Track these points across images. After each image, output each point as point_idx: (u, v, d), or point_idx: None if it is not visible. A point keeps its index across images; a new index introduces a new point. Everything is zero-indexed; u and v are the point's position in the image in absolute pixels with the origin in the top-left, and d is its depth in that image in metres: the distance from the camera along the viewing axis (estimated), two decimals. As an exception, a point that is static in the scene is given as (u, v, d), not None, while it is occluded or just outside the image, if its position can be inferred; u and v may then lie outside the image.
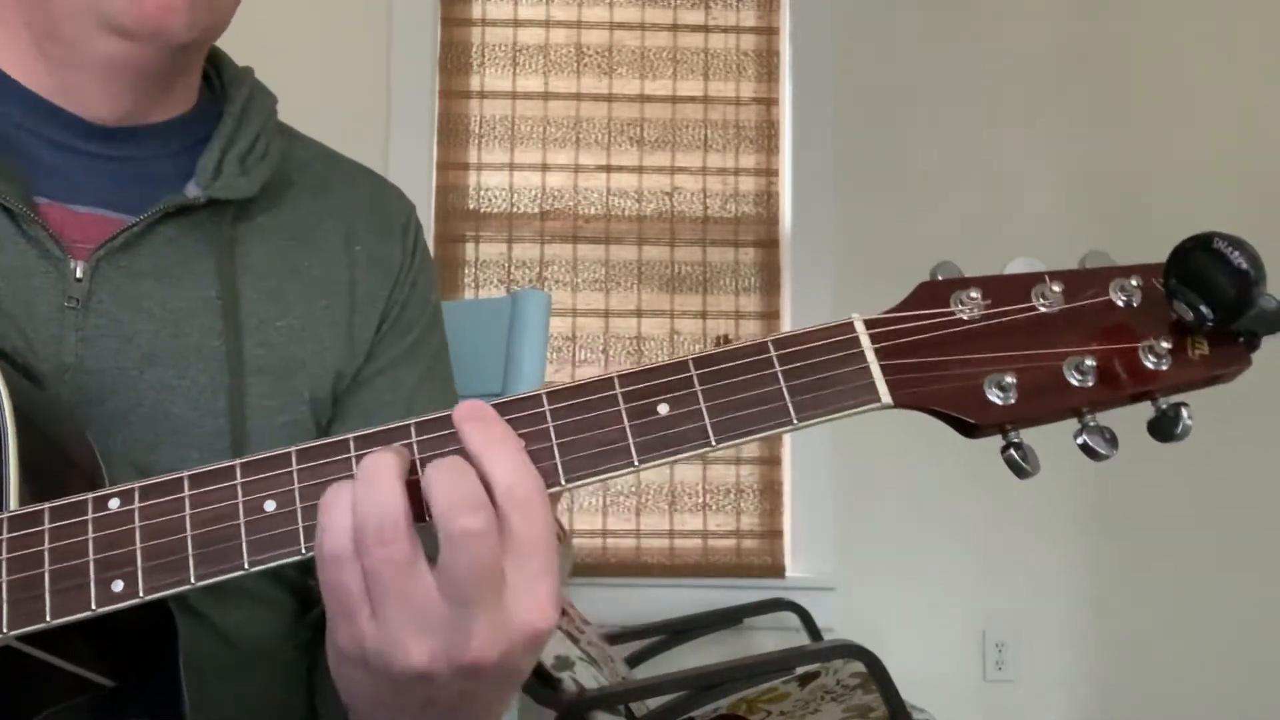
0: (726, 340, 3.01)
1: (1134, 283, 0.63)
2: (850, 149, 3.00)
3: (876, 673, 2.03)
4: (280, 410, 0.84)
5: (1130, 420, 0.65)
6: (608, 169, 3.04)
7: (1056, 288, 0.63)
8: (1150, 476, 2.77)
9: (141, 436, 0.79)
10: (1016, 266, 0.64)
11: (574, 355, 2.99)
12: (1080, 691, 2.95)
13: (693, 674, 2.17)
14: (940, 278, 0.65)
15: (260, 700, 0.84)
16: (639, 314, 3.00)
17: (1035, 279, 0.64)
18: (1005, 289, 0.64)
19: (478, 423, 0.59)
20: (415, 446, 0.60)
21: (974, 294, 0.63)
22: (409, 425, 0.61)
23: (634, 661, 2.61)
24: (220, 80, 0.92)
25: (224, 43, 0.93)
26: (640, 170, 3.04)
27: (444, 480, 0.56)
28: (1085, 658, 2.95)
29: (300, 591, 0.88)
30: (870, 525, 2.91)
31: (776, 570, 2.91)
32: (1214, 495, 2.93)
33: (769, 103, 3.07)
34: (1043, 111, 3.06)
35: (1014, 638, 2.92)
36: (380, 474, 0.56)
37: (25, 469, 0.61)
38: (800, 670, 2.25)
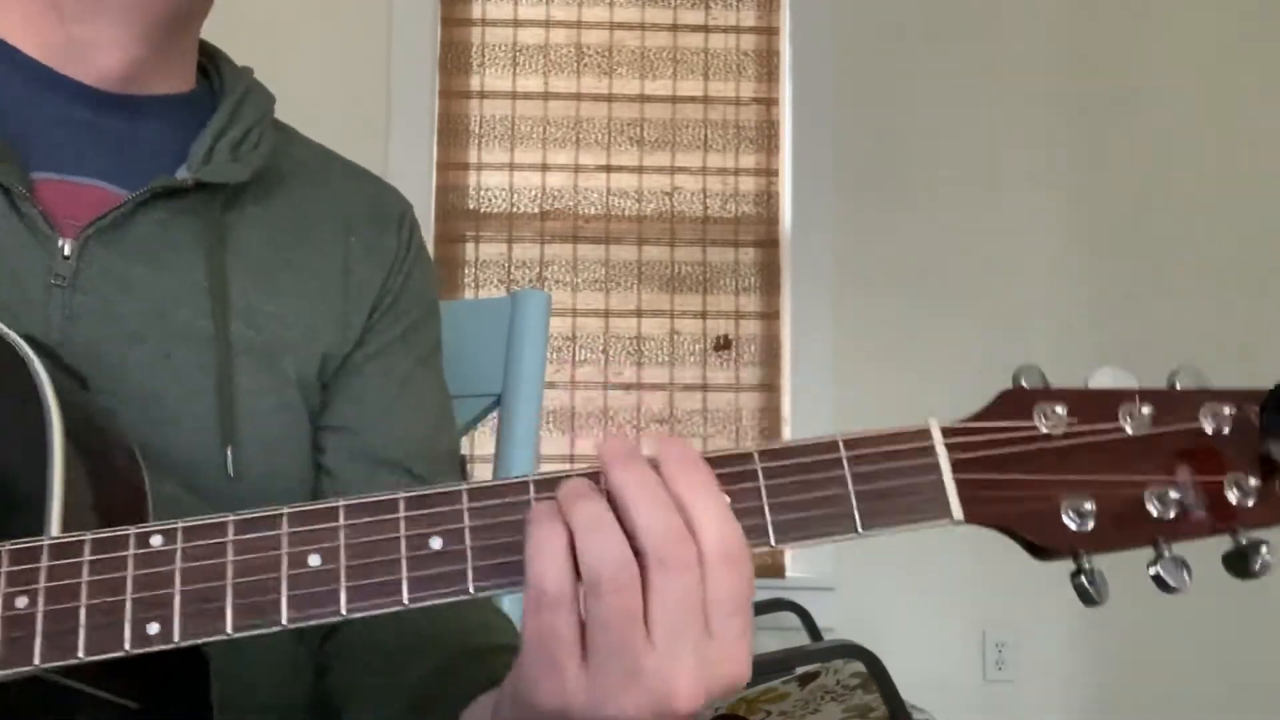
0: (726, 340, 3.01)
1: (1226, 411, 0.61)
2: (850, 149, 3.00)
3: (876, 673, 2.03)
4: (270, 391, 0.84)
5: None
6: (608, 169, 3.04)
7: (1145, 409, 0.60)
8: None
9: (128, 415, 0.78)
10: (1103, 379, 0.61)
11: (574, 355, 2.99)
12: (1080, 691, 2.95)
13: (693, 674, 2.17)
14: (1025, 384, 0.61)
15: (261, 699, 0.84)
16: (639, 314, 3.00)
17: (1124, 397, 0.61)
18: (1092, 405, 0.61)
19: (682, 464, 0.57)
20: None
21: (1059, 409, 0.60)
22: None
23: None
24: (219, 75, 0.92)
25: (224, 42, 0.93)
26: (640, 170, 3.04)
27: (654, 510, 0.55)
28: (1085, 658, 2.95)
29: None
30: (870, 525, 2.91)
31: (776, 570, 2.91)
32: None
33: (769, 103, 3.07)
34: (1043, 110, 3.06)
35: (1014, 638, 2.92)
36: (604, 519, 0.55)
37: (70, 487, 0.60)
38: (800, 670, 2.25)
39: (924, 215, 3.00)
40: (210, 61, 0.93)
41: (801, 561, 2.92)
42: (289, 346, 0.86)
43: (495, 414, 1.21)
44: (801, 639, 2.67)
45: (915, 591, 2.92)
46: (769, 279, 3.03)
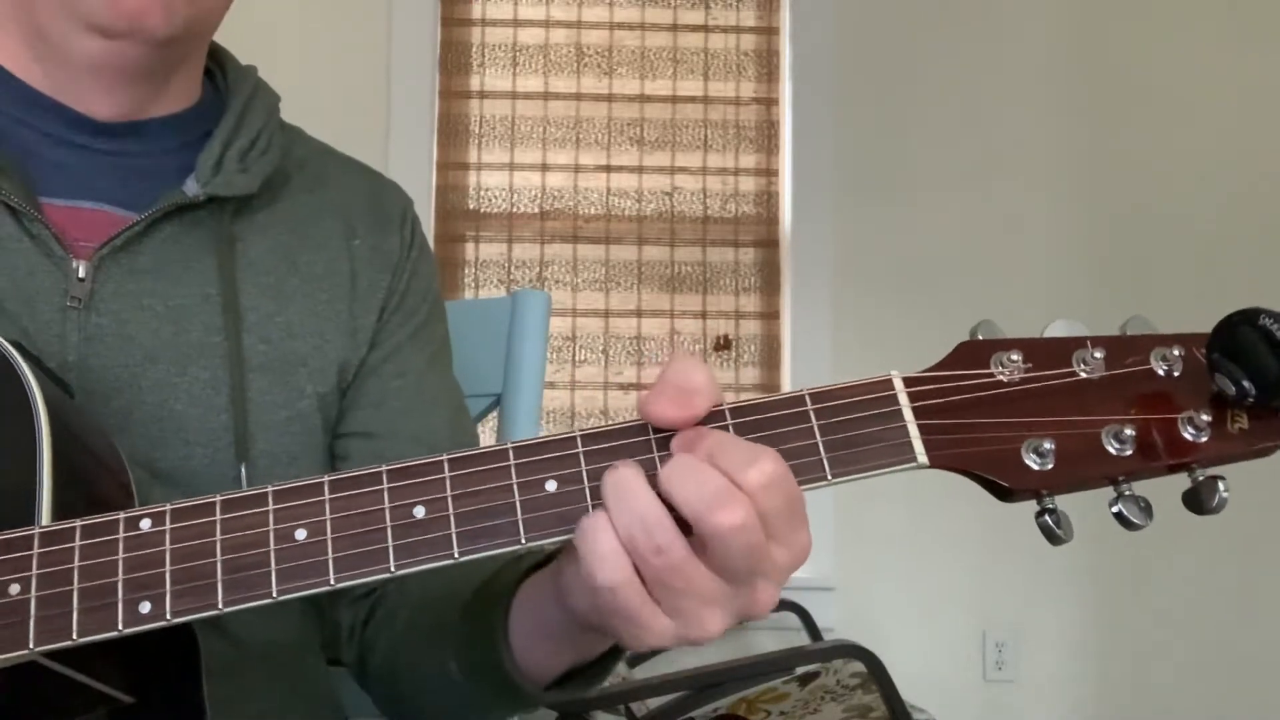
0: (726, 340, 3.01)
1: (1176, 353, 0.63)
2: (850, 149, 3.00)
3: (876, 673, 2.02)
4: (283, 405, 0.85)
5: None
6: (608, 169, 3.04)
7: (1098, 354, 0.63)
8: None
9: (145, 434, 0.79)
10: (1057, 329, 0.64)
11: (574, 355, 2.99)
12: (1080, 692, 2.95)
13: (693, 674, 2.17)
14: (981, 337, 0.64)
15: (263, 700, 0.84)
16: (639, 314, 3.01)
17: (1077, 344, 0.63)
18: (1046, 352, 0.63)
19: (683, 443, 0.59)
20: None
21: (1014, 356, 0.62)
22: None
23: (634, 661, 2.61)
24: (224, 77, 0.92)
25: (224, 41, 0.93)
26: (640, 170, 3.04)
27: (688, 480, 0.56)
28: (1085, 658, 2.95)
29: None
30: (871, 525, 2.91)
31: (776, 570, 2.91)
32: (1214, 495, 2.92)
33: (769, 103, 3.07)
34: (1044, 111, 3.06)
35: (1014, 638, 2.92)
36: (631, 486, 0.57)
37: (59, 482, 0.61)
38: (800, 670, 2.25)
39: (924, 215, 3.00)
40: (215, 63, 0.92)
41: (801, 561, 2.91)
42: (302, 359, 0.86)
43: (495, 414, 1.21)
44: (801, 639, 2.67)
45: (915, 591, 2.92)
46: (769, 279, 3.03)
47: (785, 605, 2.72)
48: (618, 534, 0.56)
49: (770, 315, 3.02)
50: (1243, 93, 3.10)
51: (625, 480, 0.57)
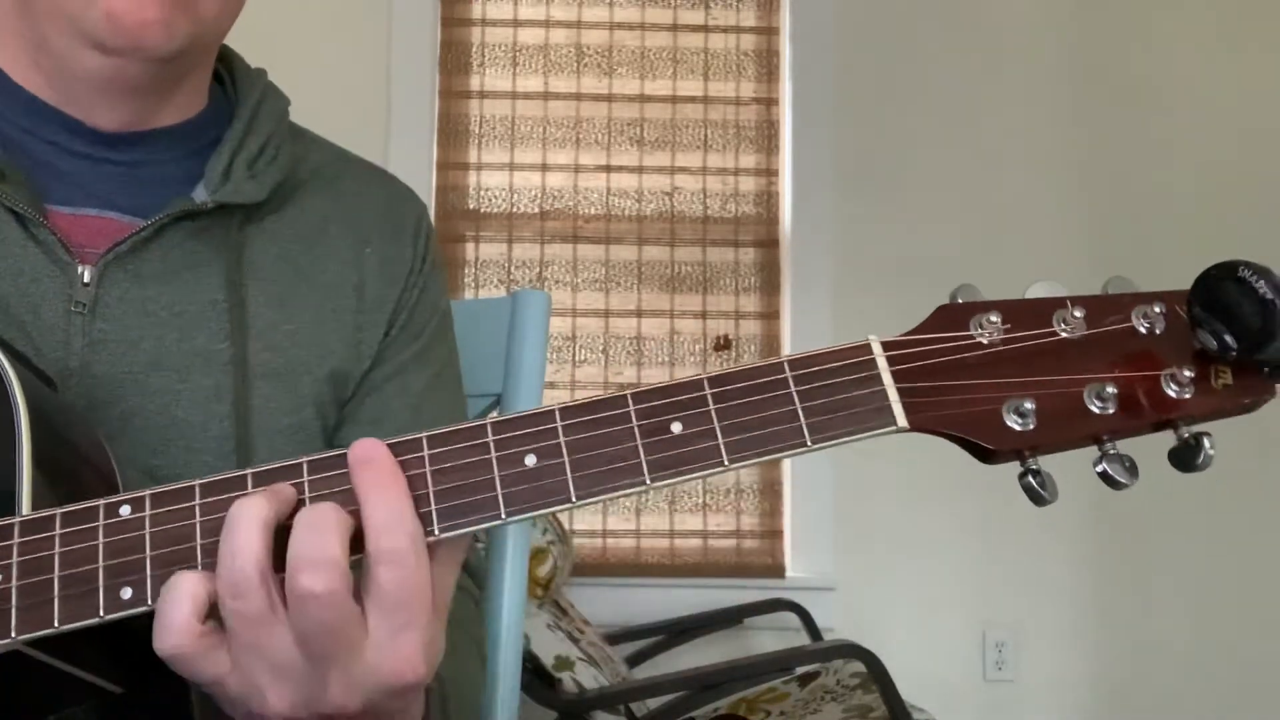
0: (726, 340, 3.01)
1: (1157, 310, 0.63)
2: (850, 149, 3.00)
3: (876, 673, 2.03)
4: (285, 413, 0.85)
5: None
6: (608, 169, 3.04)
7: (1078, 313, 0.62)
8: (1151, 476, 2.76)
9: (147, 440, 0.79)
10: (1037, 290, 0.63)
11: (574, 355, 2.99)
12: (1080, 692, 2.95)
13: (693, 674, 2.17)
14: (960, 300, 0.63)
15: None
16: (639, 314, 3.00)
17: (1057, 304, 0.63)
18: (1026, 313, 0.62)
19: (365, 466, 0.58)
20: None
21: (994, 318, 0.62)
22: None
23: (634, 661, 2.61)
24: (233, 82, 0.92)
25: (226, 41, 0.93)
26: (640, 170, 3.04)
27: (299, 534, 0.56)
28: (1085, 658, 2.95)
29: None
30: (870, 525, 2.91)
31: (776, 570, 2.92)
32: (1215, 495, 2.93)
33: (769, 103, 3.07)
34: (1044, 111, 3.06)
35: (1014, 638, 2.92)
36: (240, 522, 0.56)
37: (40, 472, 0.61)
38: (800, 670, 2.25)
39: (924, 215, 3.00)
40: (224, 66, 0.92)
41: (801, 561, 2.92)
42: (307, 367, 0.86)
43: (495, 414, 1.21)
44: (801, 639, 2.67)
45: (915, 591, 2.92)
46: (769, 279, 3.03)
47: (785, 605, 2.73)
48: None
49: (770, 315, 3.02)
50: (1247, 91, 3.10)
51: (239, 511, 0.57)
